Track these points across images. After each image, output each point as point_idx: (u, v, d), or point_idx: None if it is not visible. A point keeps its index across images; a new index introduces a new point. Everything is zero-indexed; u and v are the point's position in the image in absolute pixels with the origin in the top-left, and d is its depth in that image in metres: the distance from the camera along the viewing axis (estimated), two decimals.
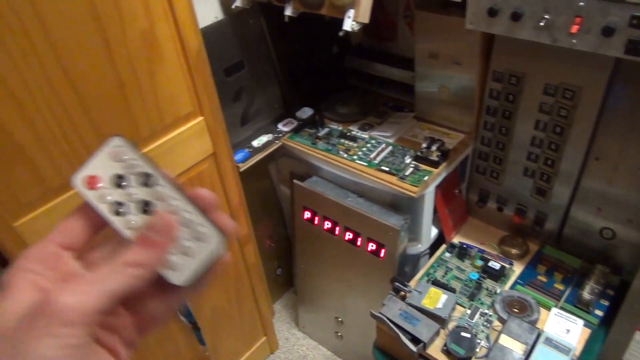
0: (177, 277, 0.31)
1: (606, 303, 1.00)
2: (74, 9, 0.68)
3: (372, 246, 1.09)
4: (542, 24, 0.73)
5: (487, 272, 1.07)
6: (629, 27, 0.66)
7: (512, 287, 1.04)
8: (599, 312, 0.98)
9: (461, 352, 0.91)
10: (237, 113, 1.19)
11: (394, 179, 1.02)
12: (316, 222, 1.18)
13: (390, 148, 1.11)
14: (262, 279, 1.24)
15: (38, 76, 0.67)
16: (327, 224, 1.15)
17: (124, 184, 0.32)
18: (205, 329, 1.15)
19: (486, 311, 0.98)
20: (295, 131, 1.23)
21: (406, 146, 1.11)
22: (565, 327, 0.95)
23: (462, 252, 1.11)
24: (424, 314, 0.98)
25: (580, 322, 0.95)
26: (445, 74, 1.09)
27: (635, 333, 0.96)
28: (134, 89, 0.78)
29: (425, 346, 0.93)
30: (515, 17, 0.75)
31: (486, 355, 0.90)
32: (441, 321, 0.96)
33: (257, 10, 1.14)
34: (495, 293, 1.03)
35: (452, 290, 1.03)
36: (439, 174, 1.04)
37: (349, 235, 1.12)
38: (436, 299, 0.99)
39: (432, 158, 1.04)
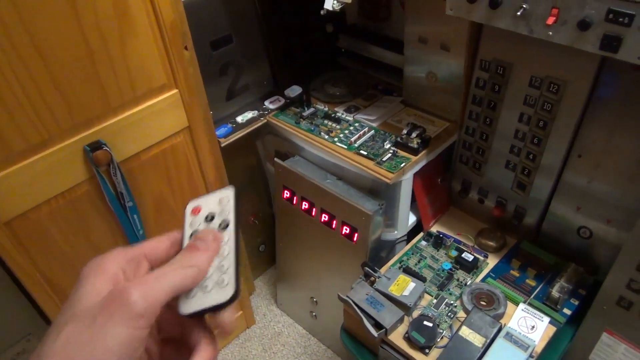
0: (184, 307, 0.35)
1: (576, 302, 0.99)
2: None
3: (346, 230, 1.08)
4: (519, 13, 0.71)
5: (460, 263, 1.06)
6: (605, 22, 0.64)
7: (484, 280, 1.03)
8: (567, 311, 0.97)
9: (421, 340, 0.91)
10: (223, 88, 1.18)
11: (371, 164, 1.01)
12: (295, 202, 1.18)
13: (372, 132, 1.10)
14: None
15: (2, 40, 0.67)
16: (305, 205, 1.15)
17: (211, 220, 0.40)
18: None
19: (452, 302, 0.98)
20: (282, 109, 1.22)
21: (389, 131, 1.10)
22: (531, 324, 0.94)
23: (438, 242, 1.11)
24: (390, 300, 0.98)
25: (547, 319, 0.94)
26: (434, 60, 1.06)
27: (603, 334, 0.95)
28: (103, 58, 0.78)
29: (387, 332, 0.93)
30: (493, 4, 0.73)
31: (445, 346, 0.90)
32: (406, 308, 0.96)
33: None
34: (466, 285, 1.02)
35: (423, 279, 1.03)
36: (418, 161, 1.03)
37: (324, 217, 1.12)
38: (404, 287, 0.99)
39: (411, 145, 1.02)
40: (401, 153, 1.03)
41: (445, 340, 0.91)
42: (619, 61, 0.66)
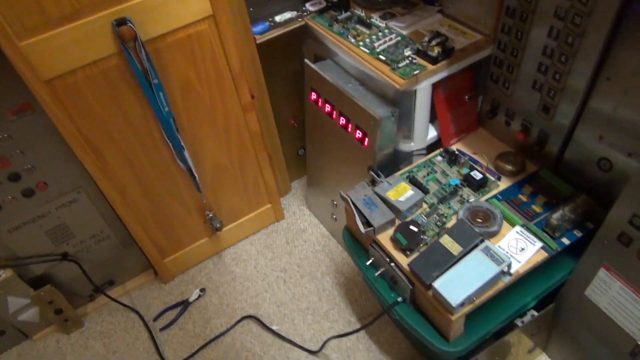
0: None
1: (579, 234, 0.95)
2: None
3: (359, 134, 1.11)
4: None
5: (468, 181, 1.05)
6: None
7: (488, 200, 1.02)
8: (565, 241, 0.94)
9: (404, 242, 0.94)
10: None
11: (386, 69, 1.01)
12: (319, 104, 1.22)
13: (398, 39, 1.08)
14: (264, 149, 1.33)
15: None
16: (327, 107, 1.19)
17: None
18: (205, 180, 1.29)
19: (443, 213, 0.99)
20: (320, 12, 1.23)
21: (415, 39, 1.07)
22: (522, 246, 0.93)
23: (452, 158, 1.10)
24: (386, 203, 1.01)
25: (539, 244, 0.93)
26: None
27: (600, 269, 0.92)
28: None
29: (375, 231, 0.98)
30: None
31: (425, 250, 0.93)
32: (398, 213, 0.99)
33: None
34: (468, 201, 1.02)
35: (426, 191, 1.04)
36: (436, 71, 1.00)
37: (342, 121, 1.15)
38: (401, 193, 1.01)
39: (431, 53, 1.00)
40: (420, 61, 1.01)
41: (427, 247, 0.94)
42: None
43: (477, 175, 1.04)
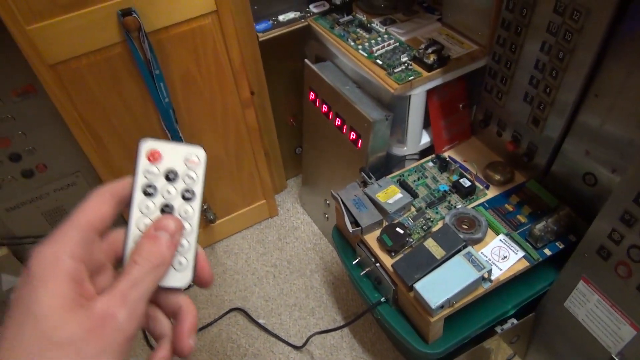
0: None
1: (561, 246, 0.97)
2: None
3: (353, 135, 1.13)
4: None
5: (456, 188, 1.07)
6: None
7: (475, 208, 1.04)
8: (547, 252, 0.96)
9: (389, 243, 0.96)
10: None
11: (382, 73, 1.03)
12: (317, 104, 1.24)
13: (396, 45, 1.10)
14: (261, 145, 1.36)
15: None
16: (324, 108, 1.21)
17: (172, 180, 0.34)
18: None
19: (429, 217, 1.01)
20: (324, 14, 1.25)
21: (412, 46, 1.09)
22: (504, 254, 0.95)
23: (443, 165, 1.12)
24: (374, 205, 1.03)
25: (521, 253, 0.95)
26: None
27: (579, 282, 0.94)
28: None
29: (362, 231, 1.00)
30: None
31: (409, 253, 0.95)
32: (385, 214, 1.01)
33: None
34: (455, 208, 1.04)
35: (415, 195, 1.06)
36: (431, 78, 1.03)
37: (338, 122, 1.17)
38: (391, 195, 1.04)
39: (426, 60, 1.02)
40: (415, 67, 1.03)
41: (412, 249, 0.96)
42: None
43: (465, 182, 1.07)
